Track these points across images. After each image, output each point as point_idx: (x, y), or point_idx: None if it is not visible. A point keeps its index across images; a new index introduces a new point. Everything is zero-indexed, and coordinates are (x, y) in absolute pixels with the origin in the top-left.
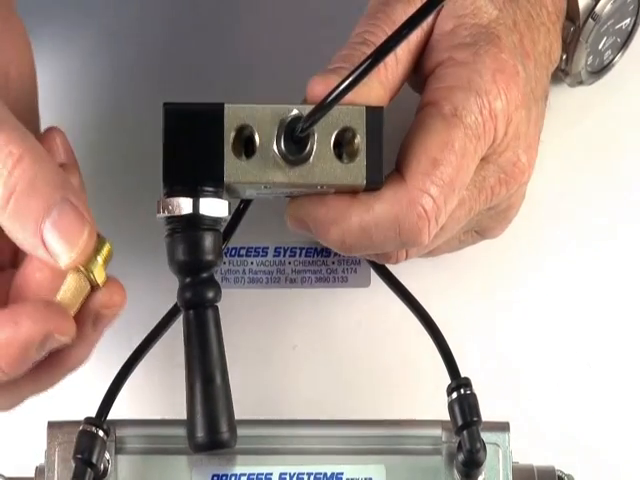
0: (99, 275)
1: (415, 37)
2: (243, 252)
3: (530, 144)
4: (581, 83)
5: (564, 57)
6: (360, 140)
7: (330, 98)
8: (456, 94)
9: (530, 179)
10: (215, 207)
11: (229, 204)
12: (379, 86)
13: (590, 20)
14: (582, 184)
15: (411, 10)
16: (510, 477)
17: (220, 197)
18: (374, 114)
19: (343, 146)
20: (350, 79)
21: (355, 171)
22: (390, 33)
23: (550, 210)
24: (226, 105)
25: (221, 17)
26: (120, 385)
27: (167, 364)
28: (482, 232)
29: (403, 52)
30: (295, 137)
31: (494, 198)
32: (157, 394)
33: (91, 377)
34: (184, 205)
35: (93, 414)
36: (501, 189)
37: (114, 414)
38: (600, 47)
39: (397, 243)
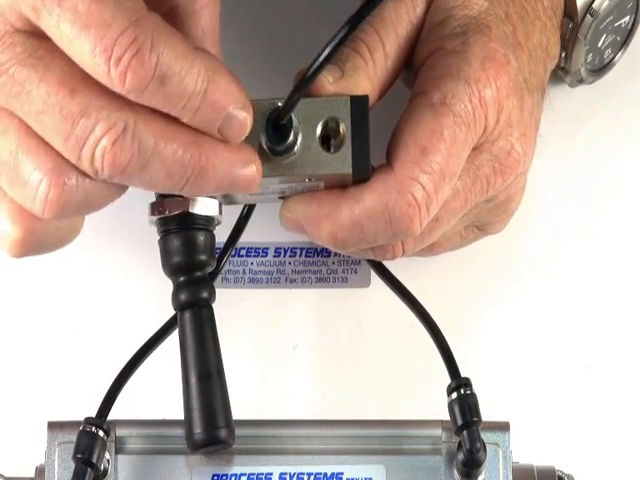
0: None
1: (405, 32)
2: (243, 252)
3: (524, 133)
4: (581, 82)
5: (563, 55)
6: (345, 129)
7: (309, 73)
8: (445, 83)
9: (528, 170)
10: (206, 206)
11: (220, 204)
12: (366, 80)
13: (588, 16)
14: (583, 183)
15: (400, 7)
16: (510, 477)
17: (211, 197)
18: (358, 103)
19: (332, 139)
20: (327, 51)
21: (341, 160)
22: (380, 31)
23: (551, 209)
24: None
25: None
26: (121, 385)
27: (167, 364)
28: (483, 227)
29: (392, 47)
30: (278, 126)
31: (490, 189)
32: (157, 394)
33: (91, 377)
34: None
35: (93, 414)
36: (496, 179)
37: (114, 414)
38: (599, 45)
39: (389, 234)
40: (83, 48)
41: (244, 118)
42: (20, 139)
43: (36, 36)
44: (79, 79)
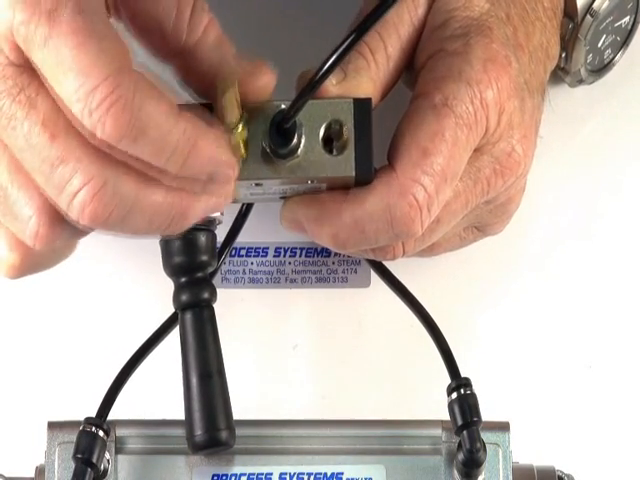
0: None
1: (406, 33)
2: (243, 252)
3: (525, 135)
4: (581, 82)
5: (563, 55)
6: (348, 132)
7: (315, 79)
8: (447, 84)
9: (528, 172)
10: None
11: None
12: (369, 82)
13: (588, 17)
14: (583, 184)
15: (402, 8)
16: (510, 477)
17: None
18: (362, 105)
19: (334, 141)
20: (334, 57)
21: (344, 163)
22: (382, 32)
23: (550, 210)
24: None
25: (217, 14)
26: (121, 385)
27: (167, 364)
28: (483, 228)
29: (394, 49)
30: (282, 129)
31: (490, 190)
32: (157, 394)
33: (91, 377)
34: None
35: (93, 414)
36: (497, 180)
37: (114, 414)
38: (599, 45)
39: (390, 235)
40: (64, 91)
41: (228, 176)
42: (11, 171)
43: (29, 71)
44: (62, 124)
